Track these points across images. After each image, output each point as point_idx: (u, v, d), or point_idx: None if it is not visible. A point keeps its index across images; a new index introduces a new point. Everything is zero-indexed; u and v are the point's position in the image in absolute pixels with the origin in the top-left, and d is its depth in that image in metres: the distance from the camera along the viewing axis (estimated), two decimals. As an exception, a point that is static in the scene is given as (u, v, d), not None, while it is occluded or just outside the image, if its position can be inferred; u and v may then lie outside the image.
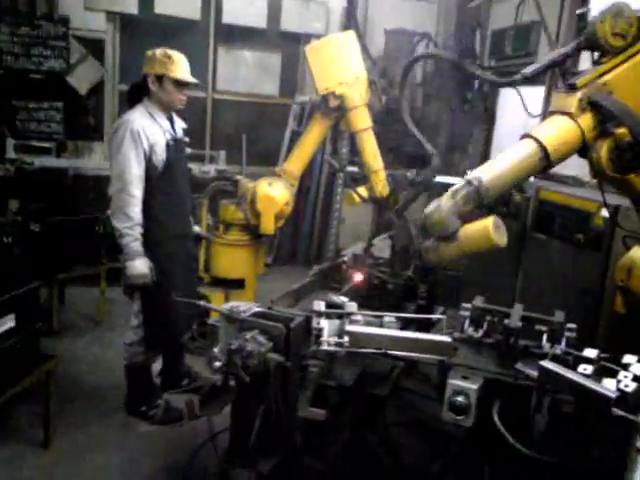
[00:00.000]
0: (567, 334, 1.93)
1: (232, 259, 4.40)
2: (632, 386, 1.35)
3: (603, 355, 1.55)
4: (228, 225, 4.39)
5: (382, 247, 3.10)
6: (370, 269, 2.64)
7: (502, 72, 6.66)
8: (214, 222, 4.53)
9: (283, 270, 6.59)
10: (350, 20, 5.85)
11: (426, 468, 2.85)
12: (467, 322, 2.01)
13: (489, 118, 6.26)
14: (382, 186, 4.37)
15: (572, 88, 2.26)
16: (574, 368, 1.64)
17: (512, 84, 2.43)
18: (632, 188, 2.33)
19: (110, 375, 3.73)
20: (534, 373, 1.57)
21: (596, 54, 2.42)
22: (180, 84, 3.08)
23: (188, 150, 3.47)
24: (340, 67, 4.27)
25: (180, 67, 3.06)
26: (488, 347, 1.96)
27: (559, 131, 2.23)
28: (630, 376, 1.37)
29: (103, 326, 4.71)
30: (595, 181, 4.60)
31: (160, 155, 3.00)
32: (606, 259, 3.64)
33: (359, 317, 1.70)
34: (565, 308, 3.91)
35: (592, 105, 2.22)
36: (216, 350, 1.77)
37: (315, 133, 4.57)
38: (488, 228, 2.13)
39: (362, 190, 4.45)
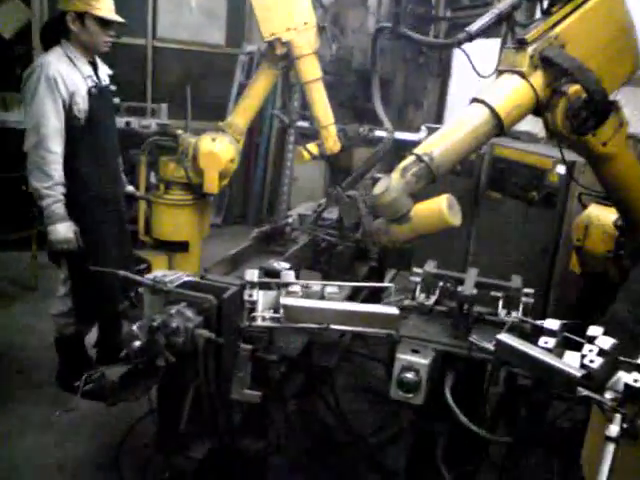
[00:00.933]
0: (524, 300, 1.79)
1: (174, 220, 4.12)
2: (597, 361, 1.22)
3: (565, 322, 1.41)
4: (169, 184, 4.08)
5: (331, 208, 2.90)
6: (317, 231, 2.44)
7: (458, 24, 6.45)
8: (157, 180, 4.23)
9: (233, 231, 6.34)
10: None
11: (377, 436, 2.75)
12: (418, 289, 1.85)
13: (444, 70, 6.04)
14: (333, 142, 4.13)
15: (522, 43, 2.07)
16: (533, 339, 1.51)
17: (456, 45, 2.22)
18: (589, 149, 2.18)
19: (43, 346, 3.45)
20: (490, 347, 1.43)
21: (546, 2, 2.24)
22: (105, 23, 2.73)
23: (116, 100, 3.12)
24: (287, 11, 3.94)
25: (105, 4, 2.70)
26: (441, 315, 1.81)
27: (511, 93, 2.06)
28: (595, 350, 1.24)
29: (36, 293, 4.39)
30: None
31: (81, 105, 2.67)
32: (560, 217, 3.56)
33: (297, 288, 1.51)
34: (519, 268, 3.87)
35: (544, 61, 2.05)
36: (135, 328, 1.55)
37: (261, 84, 4.26)
38: (442, 208, 1.96)
39: (312, 147, 4.21)
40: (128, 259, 3.09)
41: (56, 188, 2.65)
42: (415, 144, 2.22)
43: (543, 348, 1.31)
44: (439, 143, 2.11)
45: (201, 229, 4.30)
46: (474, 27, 2.22)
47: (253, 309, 1.49)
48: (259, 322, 1.47)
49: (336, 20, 5.26)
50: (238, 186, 6.69)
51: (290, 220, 2.45)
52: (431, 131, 3.31)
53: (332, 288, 1.53)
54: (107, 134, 2.86)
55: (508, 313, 1.78)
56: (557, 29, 2.12)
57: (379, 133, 4.60)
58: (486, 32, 2.41)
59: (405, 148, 2.43)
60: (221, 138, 4.03)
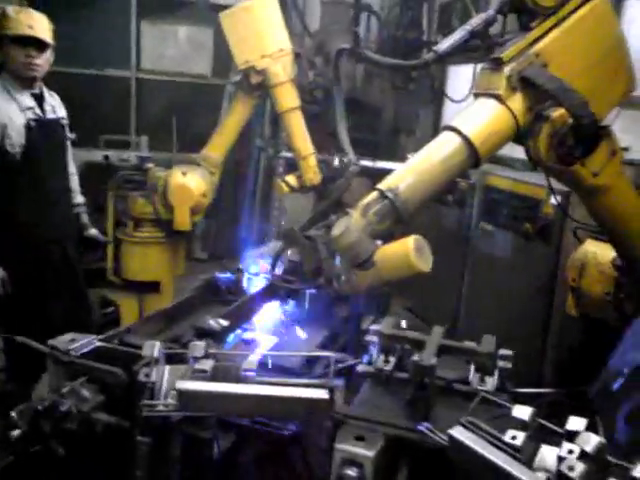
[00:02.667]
0: (501, 364, 1.49)
1: (144, 259, 3.87)
2: (579, 469, 0.91)
3: (536, 409, 1.10)
4: (138, 221, 3.84)
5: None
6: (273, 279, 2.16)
7: (458, 50, 6.23)
8: (125, 217, 3.98)
9: (221, 265, 6.07)
10: (285, -10, 5.32)
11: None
12: (375, 351, 1.55)
13: (437, 96, 5.82)
14: (313, 173, 3.90)
15: (497, 63, 1.81)
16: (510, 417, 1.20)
17: (422, 66, 1.98)
18: (578, 181, 1.90)
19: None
20: (442, 439, 1.13)
21: (524, 17, 1.98)
22: (21, 42, 2.48)
23: (71, 135, 2.86)
24: (261, 37, 3.75)
25: (18, 21, 2.46)
26: (401, 384, 1.51)
27: (486, 119, 1.80)
28: (576, 452, 0.94)
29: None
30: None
31: (16, 139, 2.44)
32: (557, 252, 3.26)
33: (207, 364, 1.21)
34: (514, 307, 3.56)
35: (523, 82, 1.79)
36: (13, 413, 1.27)
37: (238, 114, 4.06)
38: (408, 251, 1.67)
39: (291, 179, 3.97)
40: (80, 306, 2.81)
41: None
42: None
43: (509, 446, 1.01)
44: (405, 177, 1.83)
45: (174, 268, 4.04)
46: (443, 46, 1.97)
47: (148, 392, 1.21)
48: (156, 411, 1.18)
49: (321, 48, 5.06)
50: (226, 218, 6.45)
51: (241, 266, 2.17)
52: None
53: (253, 363, 1.23)
54: (52, 172, 2.61)
55: (482, 380, 1.47)
56: (538, 46, 1.86)
57: (365, 163, 4.38)
58: (461, 52, 2.18)
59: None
60: (192, 172, 3.81)
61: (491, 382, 1.47)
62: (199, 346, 1.28)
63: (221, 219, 6.29)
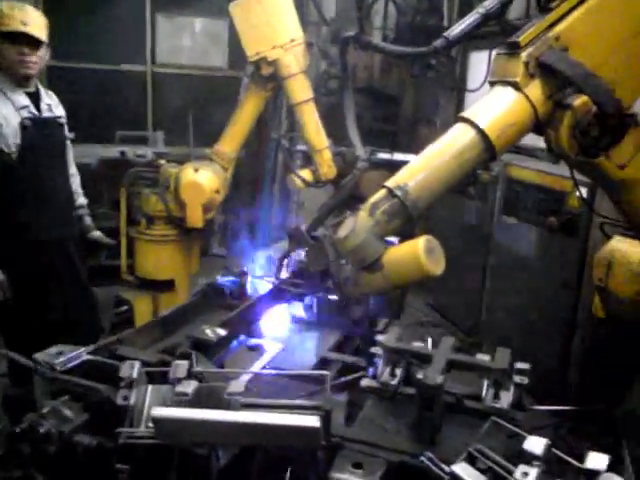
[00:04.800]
0: (517, 379, 1.37)
1: (158, 258, 3.80)
2: (598, 517, 0.80)
3: (550, 442, 0.97)
4: (151, 218, 3.78)
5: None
6: (279, 282, 2.06)
7: (471, 35, 6.02)
8: (138, 215, 3.92)
9: (240, 262, 6.00)
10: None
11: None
12: (380, 364, 1.44)
13: (459, 83, 5.62)
14: (327, 167, 3.80)
15: (514, 48, 1.67)
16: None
17: (432, 52, 1.84)
18: (603, 174, 1.75)
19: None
20: (445, 473, 1.01)
21: None
22: (14, 39, 2.40)
23: (70, 134, 2.78)
24: (272, 28, 3.63)
25: (11, 17, 2.38)
26: (407, 401, 1.40)
27: (503, 110, 1.67)
28: (597, 496, 0.82)
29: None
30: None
31: (11, 139, 2.37)
32: (584, 246, 3.09)
33: (188, 386, 1.12)
34: (538, 304, 3.40)
35: (542, 68, 1.65)
36: (-9, 435, 1.20)
37: (249, 107, 3.95)
38: (418, 253, 1.55)
39: (305, 173, 3.86)
40: (82, 307, 2.75)
41: None
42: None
43: (518, 486, 0.90)
44: (415, 173, 1.71)
45: (188, 266, 3.98)
46: (454, 31, 1.84)
47: (127, 416, 1.12)
48: (134, 438, 1.09)
49: (337, 36, 4.91)
50: (245, 214, 6.38)
51: (245, 269, 2.08)
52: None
53: (236, 387, 1.12)
54: (50, 171, 2.54)
55: (496, 396, 1.35)
56: (557, 29, 1.71)
57: (383, 155, 4.24)
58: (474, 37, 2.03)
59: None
60: (204, 168, 3.72)
61: (506, 398, 1.35)
62: (181, 366, 1.18)
63: (238, 214, 6.22)
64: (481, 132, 1.66)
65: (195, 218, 3.67)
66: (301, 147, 5.29)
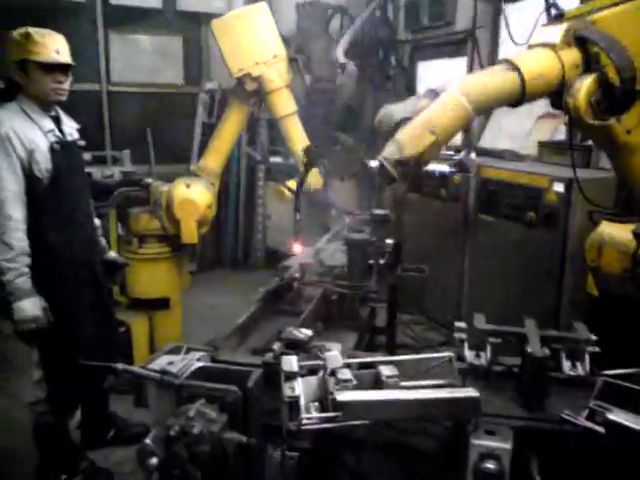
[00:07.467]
0: (589, 349, 1.57)
1: (152, 276, 3.79)
2: None
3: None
4: (143, 237, 3.77)
5: (330, 251, 2.65)
6: (326, 283, 2.18)
7: (419, 45, 6.38)
8: (126, 235, 3.89)
9: (210, 277, 5.99)
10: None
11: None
12: (466, 347, 1.61)
13: (411, 94, 5.94)
14: (315, 178, 3.93)
15: (558, 18, 2.08)
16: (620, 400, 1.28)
17: None
18: (611, 137, 2.08)
19: (20, 434, 3.01)
20: (595, 427, 1.19)
21: None
22: (48, 68, 2.41)
23: (86, 156, 2.78)
24: (255, 44, 3.76)
25: (45, 46, 2.39)
26: (498, 378, 1.57)
27: (539, 61, 2.02)
28: None
29: (4, 372, 3.93)
30: (534, 154, 4.37)
31: (43, 164, 2.36)
32: (564, 237, 3.40)
33: (347, 373, 1.23)
34: (522, 293, 3.68)
35: (578, 41, 1.99)
36: (148, 440, 1.26)
37: (233, 122, 4.04)
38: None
39: (292, 184, 4.00)
40: (109, 330, 2.75)
41: (19, 259, 2.32)
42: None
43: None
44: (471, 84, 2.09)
45: (181, 282, 3.99)
46: None
47: (296, 407, 1.21)
48: (309, 426, 1.18)
49: (300, 51, 5.08)
50: (210, 229, 6.37)
51: (295, 273, 2.18)
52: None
53: (389, 371, 1.25)
54: (76, 195, 2.54)
55: (573, 366, 1.55)
56: (597, 15, 2.05)
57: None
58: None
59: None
60: (196, 184, 3.77)
61: (582, 367, 1.55)
62: (336, 357, 1.29)
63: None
64: (519, 73, 1.98)
65: (190, 234, 3.70)
66: (273, 159, 5.42)
